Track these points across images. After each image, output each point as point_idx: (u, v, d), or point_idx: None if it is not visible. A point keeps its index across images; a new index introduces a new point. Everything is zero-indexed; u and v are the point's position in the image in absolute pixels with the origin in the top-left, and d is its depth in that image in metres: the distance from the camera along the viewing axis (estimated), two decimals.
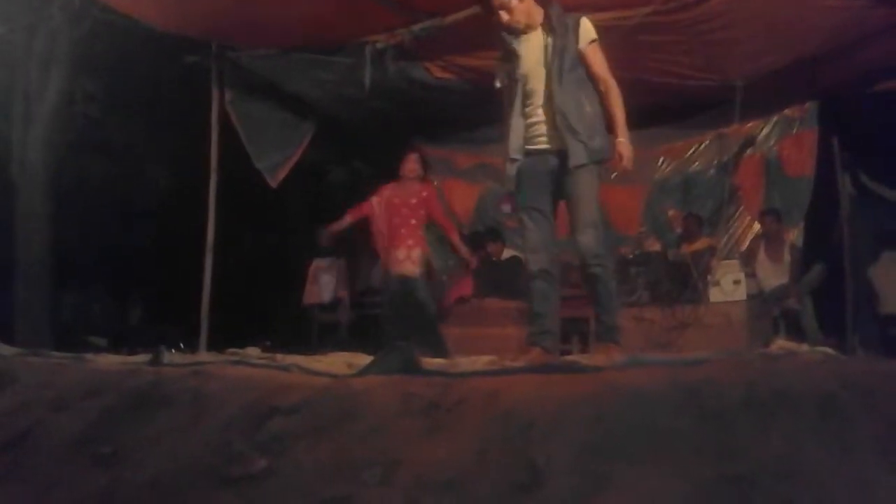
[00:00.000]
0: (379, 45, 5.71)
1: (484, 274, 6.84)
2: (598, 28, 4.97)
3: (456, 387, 2.02)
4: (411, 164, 5.78)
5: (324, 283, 7.68)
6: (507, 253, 7.00)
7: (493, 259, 6.98)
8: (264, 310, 9.29)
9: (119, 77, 7.92)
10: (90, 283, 9.65)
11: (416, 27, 5.44)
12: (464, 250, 5.96)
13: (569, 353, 5.72)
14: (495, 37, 5.60)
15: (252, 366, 2.65)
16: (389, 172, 5.68)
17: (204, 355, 3.30)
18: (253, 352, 3.63)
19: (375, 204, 5.83)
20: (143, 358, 3.03)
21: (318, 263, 7.84)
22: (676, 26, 5.26)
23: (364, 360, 3.25)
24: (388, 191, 5.81)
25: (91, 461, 2.25)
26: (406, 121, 7.55)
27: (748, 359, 2.22)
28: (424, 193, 5.78)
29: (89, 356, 3.40)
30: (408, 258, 5.58)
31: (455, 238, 5.94)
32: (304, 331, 7.70)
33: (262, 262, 10.19)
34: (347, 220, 5.94)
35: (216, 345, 5.53)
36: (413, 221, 5.67)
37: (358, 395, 2.11)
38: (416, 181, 5.80)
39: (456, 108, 6.90)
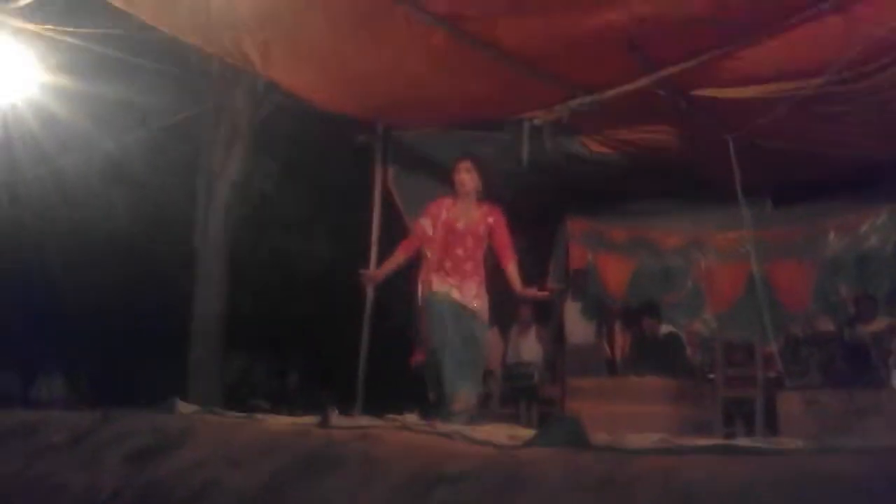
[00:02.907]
0: (536, 122, 5.81)
1: (638, 350, 6.65)
2: (767, 100, 4.91)
3: (628, 463, 1.95)
4: (462, 176, 4.71)
5: None
6: (664, 329, 6.77)
7: (649, 335, 6.77)
8: (416, 379, 9.41)
9: (293, 156, 8.51)
10: (255, 347, 10.18)
11: (574, 102, 5.50)
12: (519, 283, 4.74)
13: (733, 435, 5.41)
14: (652, 112, 5.63)
15: (416, 431, 2.69)
16: (541, 246, 5.67)
17: (367, 420, 3.37)
18: (411, 418, 3.67)
19: (428, 227, 4.76)
20: (311, 419, 3.13)
21: None
22: (850, 96, 5.01)
23: (520, 431, 3.23)
24: (443, 211, 4.76)
25: None
26: (561, 194, 7.60)
27: None
28: (491, 219, 4.72)
29: (261, 416, 3.56)
30: (478, 296, 4.62)
31: (511, 269, 4.73)
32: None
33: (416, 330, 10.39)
34: (400, 256, 4.80)
35: (367, 411, 5.66)
36: (480, 255, 4.70)
37: (524, 467, 2.08)
38: (475, 200, 4.75)
39: (612, 181, 6.87)
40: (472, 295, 4.58)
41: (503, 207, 4.81)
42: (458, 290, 4.57)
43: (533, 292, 4.85)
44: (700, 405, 5.53)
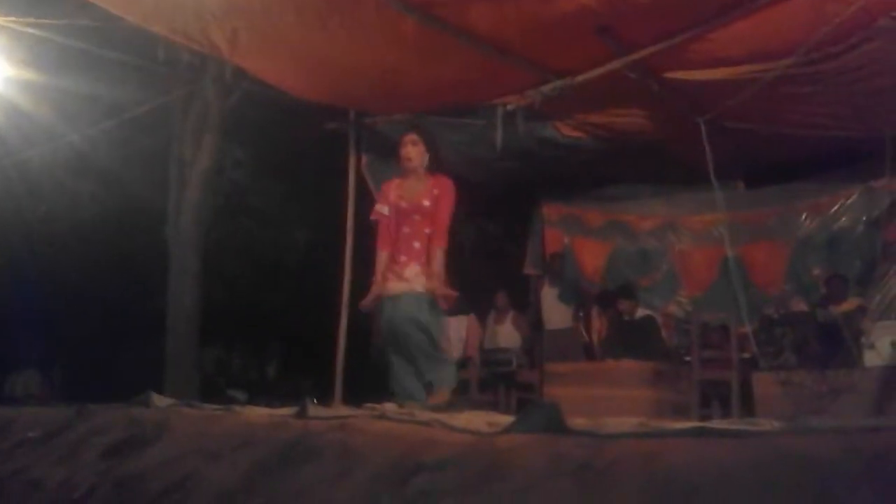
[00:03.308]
0: (509, 107, 5.80)
1: (615, 333, 6.68)
2: (737, 81, 4.93)
3: (607, 448, 1.95)
4: (407, 149, 4.37)
5: (453, 341, 7.72)
6: (640, 312, 6.81)
7: (625, 318, 6.81)
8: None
9: (264, 144, 8.43)
10: (231, 338, 10.12)
11: (547, 87, 5.50)
12: (438, 273, 4.20)
13: (709, 417, 5.47)
14: (624, 95, 5.64)
15: (394, 420, 2.68)
16: (517, 231, 5.64)
17: (346, 409, 3.36)
18: (390, 406, 3.66)
19: (386, 211, 4.43)
20: (288, 410, 3.11)
21: (448, 320, 7.88)
22: (820, 77, 5.06)
23: (499, 418, 3.23)
24: (392, 192, 4.46)
25: None
26: (534, 179, 7.61)
27: None
28: (436, 191, 4.33)
29: (237, 408, 3.53)
30: (419, 275, 4.24)
31: (436, 254, 4.23)
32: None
33: None
34: (383, 255, 4.41)
35: (346, 400, 5.65)
36: (427, 231, 4.30)
37: (503, 454, 2.08)
38: (423, 173, 4.39)
39: (585, 165, 6.89)
40: (416, 274, 4.21)
41: (477, 192, 4.73)
42: (403, 277, 4.24)
43: (444, 291, 4.21)
44: (677, 388, 5.57)
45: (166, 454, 2.84)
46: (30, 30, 5.34)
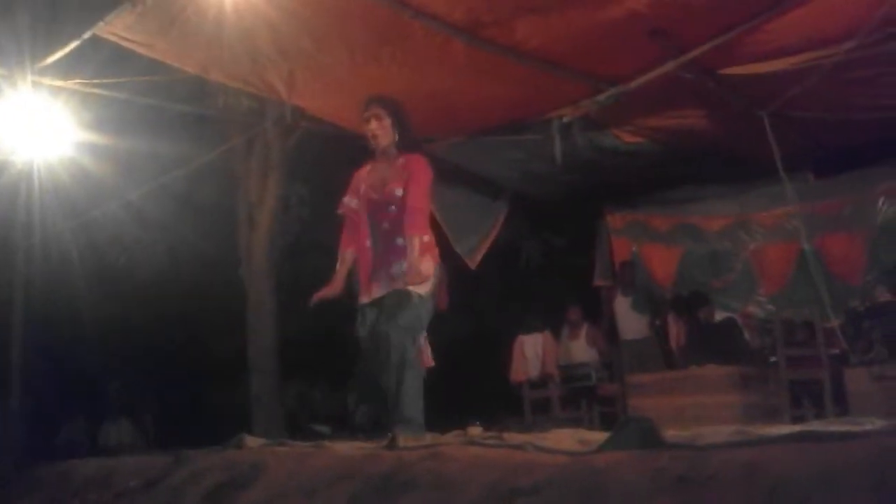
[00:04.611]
0: (565, 119, 5.78)
1: (695, 339, 6.55)
2: (798, 71, 4.81)
3: (706, 460, 1.91)
4: (371, 125, 3.79)
5: (531, 360, 7.69)
6: (719, 315, 6.67)
7: (704, 323, 6.67)
8: (467, 389, 9.42)
9: (326, 180, 8.56)
10: (311, 372, 10.27)
11: (601, 96, 5.46)
12: (415, 264, 3.56)
13: (802, 418, 5.30)
14: (681, 96, 5.55)
15: (484, 445, 2.67)
16: (582, 243, 5.57)
17: (433, 437, 3.37)
18: (475, 431, 3.66)
19: (353, 203, 3.88)
20: (378, 443, 3.14)
21: (523, 339, 7.88)
22: (884, 58, 4.90)
23: (588, 435, 3.19)
24: (361, 183, 3.89)
25: None
26: (596, 189, 7.55)
27: None
28: (406, 174, 3.73)
29: (327, 443, 3.58)
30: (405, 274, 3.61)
31: (413, 242, 3.61)
32: (511, 408, 7.71)
33: (461, 342, 10.39)
34: (346, 254, 3.89)
35: (428, 427, 5.65)
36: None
37: (601, 473, 2.05)
38: (393, 154, 3.81)
39: (647, 170, 6.82)
40: (403, 272, 3.62)
41: (539, 207, 4.57)
42: (391, 277, 3.70)
43: (420, 284, 3.61)
44: (765, 390, 5.42)
45: (265, 494, 2.89)
46: (97, 91, 5.56)
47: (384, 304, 3.66)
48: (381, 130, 3.80)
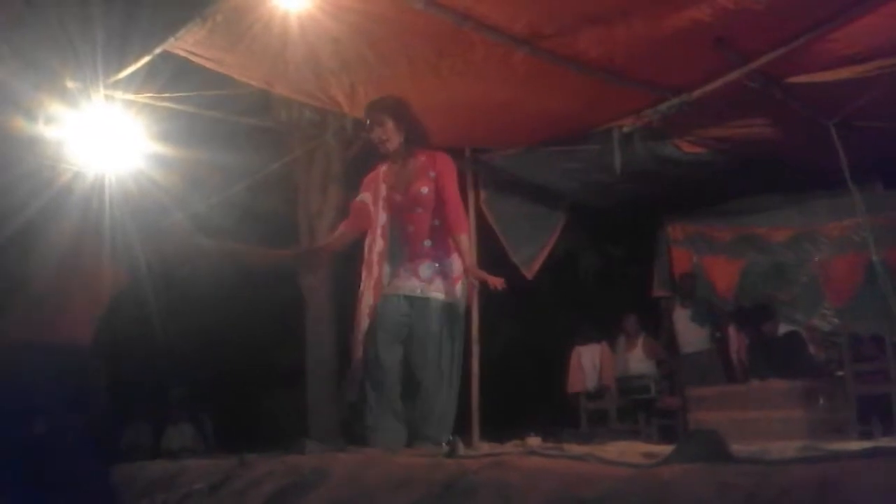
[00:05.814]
0: (626, 129, 5.75)
1: (758, 352, 6.41)
2: (865, 79, 4.68)
3: (774, 475, 1.87)
4: (375, 134, 3.79)
5: (588, 371, 7.64)
6: (783, 328, 6.52)
7: (767, 336, 6.53)
8: (523, 400, 9.39)
9: None
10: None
11: (663, 106, 5.41)
12: (471, 260, 3.72)
13: (870, 433, 5.14)
14: (745, 105, 5.47)
15: (546, 456, 2.66)
16: (640, 253, 5.52)
17: (491, 446, 3.37)
18: (534, 441, 3.65)
19: (369, 201, 3.86)
20: (439, 450, 3.15)
21: (580, 350, 7.82)
22: None
23: (650, 448, 3.16)
24: (380, 184, 3.84)
25: None
26: (656, 199, 7.47)
27: None
28: (433, 172, 3.70)
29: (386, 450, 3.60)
30: (437, 277, 3.64)
31: (462, 241, 3.68)
32: (567, 420, 7.66)
33: (519, 352, 10.36)
34: (345, 231, 3.93)
35: (484, 436, 5.65)
36: (437, 222, 3.68)
37: (666, 486, 2.02)
38: (407, 154, 3.79)
39: (709, 181, 6.71)
40: (434, 274, 3.63)
41: (598, 218, 4.57)
42: (418, 275, 3.67)
43: (483, 275, 3.64)
44: (832, 405, 5.28)
45: (326, 499, 2.93)
46: (165, 104, 5.72)
47: (425, 309, 3.67)
48: (386, 135, 3.80)
